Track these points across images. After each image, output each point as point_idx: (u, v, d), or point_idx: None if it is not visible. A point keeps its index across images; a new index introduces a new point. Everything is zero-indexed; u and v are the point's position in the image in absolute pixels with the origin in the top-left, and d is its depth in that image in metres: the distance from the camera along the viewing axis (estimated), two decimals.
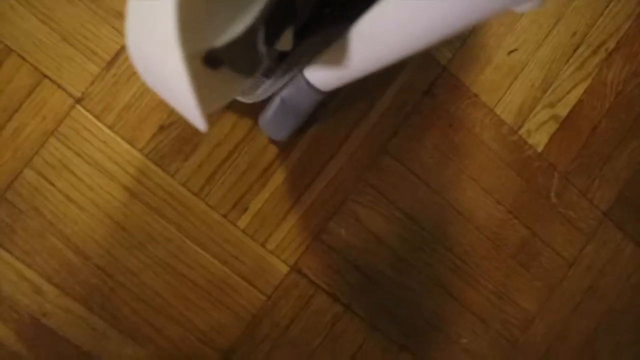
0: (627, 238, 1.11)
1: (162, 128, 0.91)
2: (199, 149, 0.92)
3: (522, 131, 1.05)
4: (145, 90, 0.90)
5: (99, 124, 0.89)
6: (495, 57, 1.03)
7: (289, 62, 0.86)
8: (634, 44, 1.11)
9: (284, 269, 0.95)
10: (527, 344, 1.08)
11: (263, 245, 0.94)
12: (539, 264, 1.06)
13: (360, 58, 0.67)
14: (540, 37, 1.05)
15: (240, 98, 0.86)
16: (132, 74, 0.89)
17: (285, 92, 0.88)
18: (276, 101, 0.89)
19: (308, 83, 0.84)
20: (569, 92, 1.07)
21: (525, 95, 1.05)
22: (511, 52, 1.04)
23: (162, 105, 0.90)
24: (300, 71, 0.85)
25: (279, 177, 0.94)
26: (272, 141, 0.94)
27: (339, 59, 0.71)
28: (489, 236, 1.03)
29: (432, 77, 1.00)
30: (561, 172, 1.07)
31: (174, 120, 0.91)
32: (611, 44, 1.09)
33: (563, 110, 1.06)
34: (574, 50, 1.07)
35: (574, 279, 1.09)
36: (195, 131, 0.91)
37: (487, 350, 1.06)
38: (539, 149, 1.05)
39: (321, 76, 0.81)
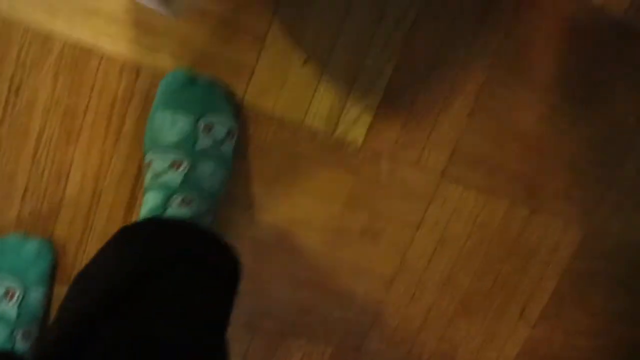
0: (468, 188, 1.17)
1: None
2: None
3: (337, 133, 1.06)
4: None
5: None
6: (289, 73, 1.01)
7: None
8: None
9: None
10: (391, 301, 1.24)
11: None
12: (386, 237, 1.17)
13: None
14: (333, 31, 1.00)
15: None
16: None
17: None
18: None
19: None
20: (377, 78, 1.04)
21: (332, 99, 1.04)
22: (305, 62, 1.01)
23: None
24: None
25: None
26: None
27: None
28: (332, 231, 1.14)
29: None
30: (387, 155, 1.10)
31: None
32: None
33: (374, 99, 1.05)
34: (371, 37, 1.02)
35: (423, 237, 1.20)
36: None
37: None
38: (359, 144, 1.08)
39: None
